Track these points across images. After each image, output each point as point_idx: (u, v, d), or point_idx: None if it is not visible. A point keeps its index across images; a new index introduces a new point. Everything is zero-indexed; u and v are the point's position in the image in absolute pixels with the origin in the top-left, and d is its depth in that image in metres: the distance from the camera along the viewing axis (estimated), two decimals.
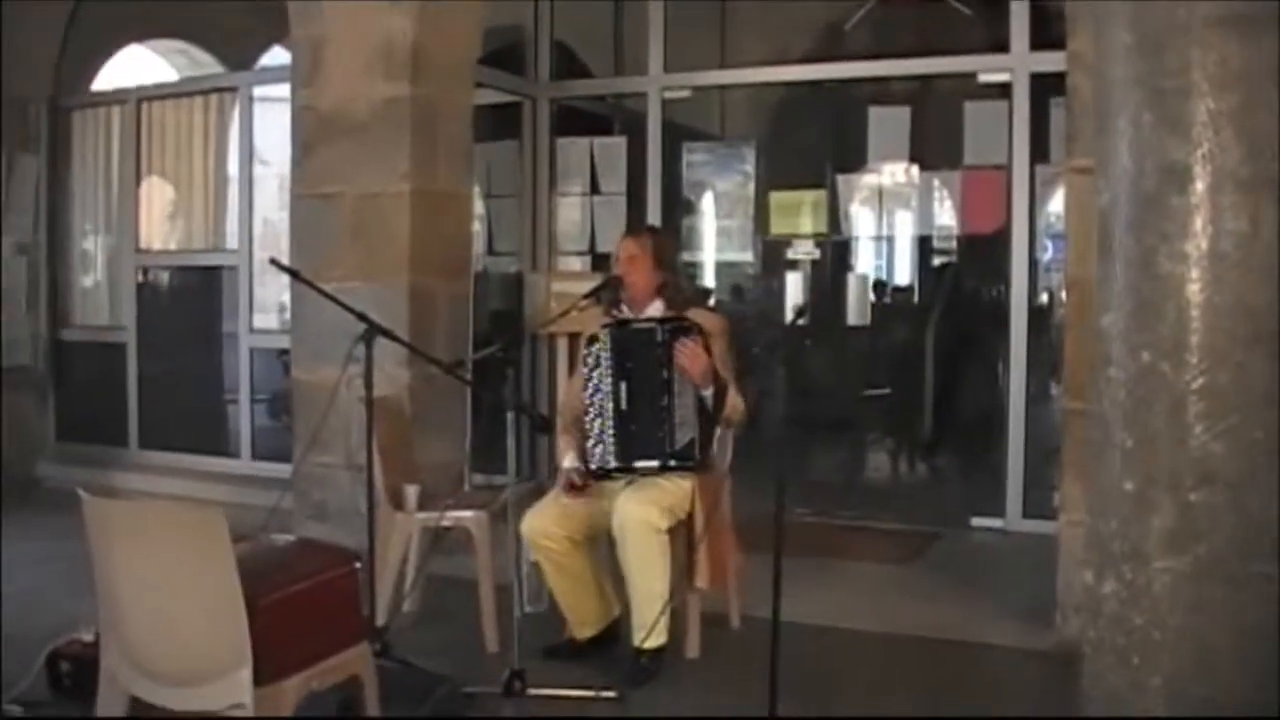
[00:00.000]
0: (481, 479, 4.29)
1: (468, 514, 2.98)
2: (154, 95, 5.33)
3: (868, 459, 5.92)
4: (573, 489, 2.73)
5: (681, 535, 2.64)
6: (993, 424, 4.54)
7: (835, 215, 5.13)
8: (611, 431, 2.70)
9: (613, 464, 2.70)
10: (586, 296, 2.75)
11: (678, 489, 2.64)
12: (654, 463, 2.65)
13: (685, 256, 5.35)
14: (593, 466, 2.71)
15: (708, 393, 2.62)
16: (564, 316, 2.77)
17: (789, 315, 5.36)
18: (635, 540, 2.53)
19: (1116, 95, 1.61)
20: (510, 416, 2.38)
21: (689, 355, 2.58)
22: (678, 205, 5.31)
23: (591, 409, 2.73)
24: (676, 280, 2.80)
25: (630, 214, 4.94)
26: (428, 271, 3.95)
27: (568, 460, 2.80)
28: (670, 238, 3.08)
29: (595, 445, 2.72)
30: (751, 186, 5.25)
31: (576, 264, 5.09)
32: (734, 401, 2.69)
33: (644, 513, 2.55)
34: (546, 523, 2.68)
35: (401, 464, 3.08)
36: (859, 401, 5.93)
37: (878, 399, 5.97)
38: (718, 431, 2.73)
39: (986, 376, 5.12)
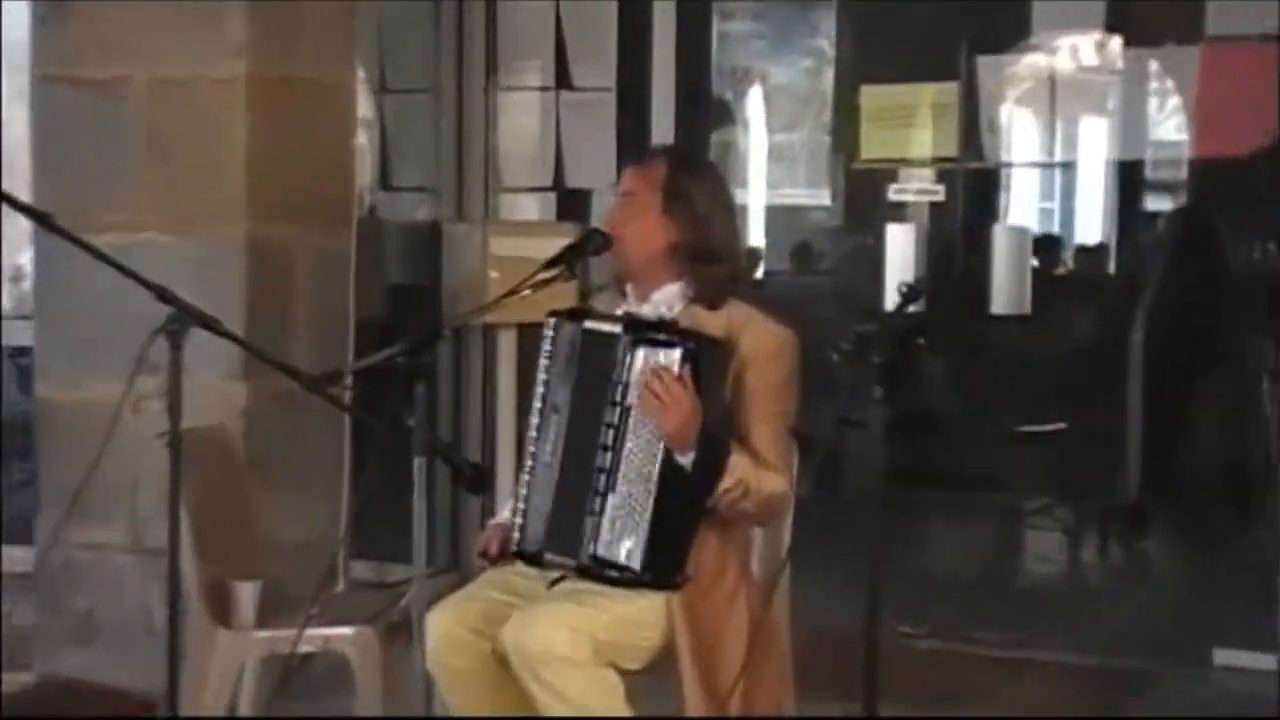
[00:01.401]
0: (369, 569, 4.34)
1: (343, 631, 2.99)
2: None
3: (1027, 540, 5.95)
4: (488, 555, 2.77)
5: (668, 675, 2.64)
6: (1251, 485, 4.54)
7: (973, 127, 5.18)
8: (525, 490, 2.74)
9: (517, 546, 2.74)
10: (551, 265, 2.74)
11: (628, 608, 2.63)
12: (568, 562, 2.67)
13: None
14: (515, 535, 2.75)
15: (686, 460, 2.62)
16: (511, 297, 2.79)
17: (891, 297, 5.39)
18: (533, 680, 2.53)
19: None
20: (418, 465, 2.39)
21: (664, 397, 2.54)
22: (702, 109, 5.37)
23: (527, 441, 2.78)
24: (709, 246, 2.78)
25: (624, 123, 4.97)
26: (278, 217, 3.96)
27: (505, 512, 2.84)
28: (706, 169, 2.97)
29: (515, 503, 2.77)
30: (828, 77, 5.30)
31: (532, 208, 5.13)
32: (753, 479, 2.63)
33: (544, 636, 2.54)
34: (457, 626, 2.72)
35: (230, 544, 3.09)
36: (1011, 442, 5.98)
37: (1043, 439, 6.01)
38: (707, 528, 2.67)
39: (1239, 403, 5.12)
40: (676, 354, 2.58)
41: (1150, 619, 4.75)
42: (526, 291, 2.70)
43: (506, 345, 4.35)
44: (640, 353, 2.62)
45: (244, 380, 3.79)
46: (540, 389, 2.76)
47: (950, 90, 5.17)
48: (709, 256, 2.76)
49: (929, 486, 5.56)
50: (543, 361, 2.77)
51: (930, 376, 5.84)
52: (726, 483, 2.61)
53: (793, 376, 2.74)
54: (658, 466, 2.60)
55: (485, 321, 4.21)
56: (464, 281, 4.30)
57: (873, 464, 2.29)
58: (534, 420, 2.76)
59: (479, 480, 2.75)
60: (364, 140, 4.98)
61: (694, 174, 2.82)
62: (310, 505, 3.95)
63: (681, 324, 2.70)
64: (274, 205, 3.96)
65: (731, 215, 2.86)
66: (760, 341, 2.71)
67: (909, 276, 5.54)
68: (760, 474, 2.64)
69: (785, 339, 2.75)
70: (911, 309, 2.71)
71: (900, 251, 5.67)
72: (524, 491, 2.75)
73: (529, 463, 2.76)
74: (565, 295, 2.94)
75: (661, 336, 2.63)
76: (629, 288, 2.84)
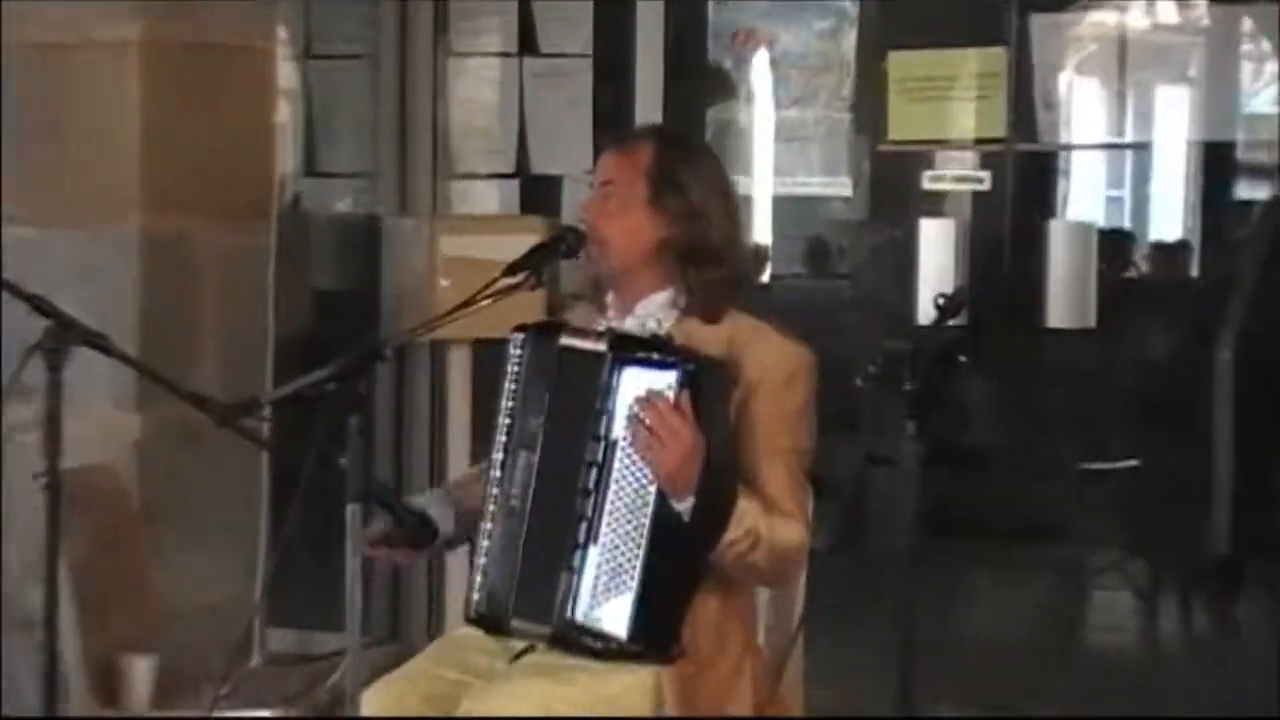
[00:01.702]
0: (290, 640, 4.33)
1: (260, 715, 3.02)
2: None
3: (1092, 602, 5.96)
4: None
5: None
6: None
7: (1025, 100, 5.22)
8: (486, 543, 2.75)
9: (474, 610, 2.75)
10: (514, 269, 2.73)
11: (610, 685, 2.64)
12: (539, 629, 2.68)
13: None
14: (474, 596, 2.76)
15: (684, 506, 2.62)
16: (466, 309, 2.79)
17: (926, 308, 5.40)
18: None
19: None
20: (352, 513, 2.40)
21: (658, 430, 2.57)
22: (696, 80, 5.38)
23: (488, 483, 2.79)
24: (706, 245, 2.79)
25: (602, 97, 5.00)
26: (180, 208, 3.99)
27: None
28: (700, 152, 2.96)
29: (476, 559, 2.76)
30: (849, 40, 5.32)
31: (491, 199, 5.15)
32: (764, 529, 2.63)
33: None
34: (398, 708, 2.67)
35: (121, 610, 3.11)
36: (1072, 482, 6.00)
37: (1112, 478, 6.03)
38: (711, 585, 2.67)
39: None
40: (673, 377, 2.58)
41: (1241, 699, 4.74)
42: (484, 302, 2.69)
43: (459, 367, 4.36)
44: (629, 375, 2.62)
45: (138, 410, 3.79)
46: (505, 419, 2.77)
47: (997, 56, 5.20)
48: (706, 258, 2.76)
49: (973, 536, 5.57)
50: (508, 386, 2.78)
51: (974, 404, 5.84)
52: (732, 533, 2.61)
53: (809, 404, 2.75)
54: (650, 514, 2.60)
55: (433, 337, 4.22)
56: (408, 288, 4.32)
57: (905, 509, 2.30)
58: (497, 457, 2.77)
59: (425, 532, 2.77)
60: (285, 116, 4.99)
61: (686, 158, 2.82)
62: (219, 562, 3.95)
63: (675, 340, 2.71)
64: (175, 194, 3.96)
65: (732, 207, 2.86)
66: (770, 361, 2.71)
67: (947, 283, 5.54)
68: (772, 522, 2.64)
69: (800, 358, 2.76)
70: (951, 322, 2.72)
71: (936, 252, 5.69)
72: (485, 544, 2.76)
73: (490, 509, 2.76)
74: (530, 307, 2.95)
75: (654, 356, 2.64)
76: (609, 298, 2.85)
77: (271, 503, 4.10)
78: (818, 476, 2.78)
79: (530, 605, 2.68)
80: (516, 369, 2.77)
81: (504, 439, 2.76)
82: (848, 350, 5.05)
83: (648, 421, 2.54)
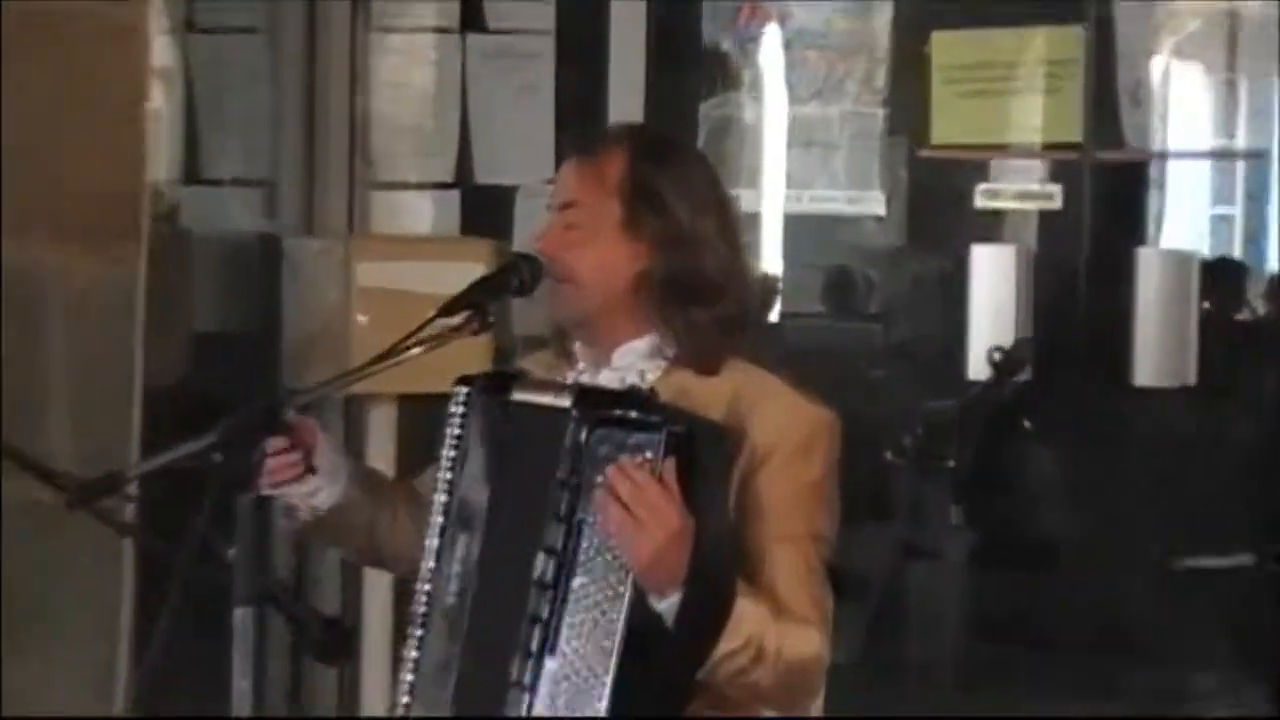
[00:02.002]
0: None
1: None
2: None
3: None
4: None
5: None
6: None
7: (1106, 94, 5.27)
8: (417, 650, 2.75)
9: None
10: (454, 307, 2.75)
11: None
12: None
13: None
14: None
15: (667, 605, 2.63)
16: (391, 359, 2.81)
17: (978, 361, 5.44)
18: None
19: None
20: (241, 619, 2.45)
21: (635, 509, 2.58)
22: (689, 64, 5.43)
23: (419, 574, 2.79)
24: (699, 278, 2.81)
25: (566, 85, 5.06)
26: (17, 227, 4.00)
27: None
28: (688, 159, 2.99)
29: (401, 674, 2.77)
30: (883, 16, 5.37)
31: (423, 214, 5.21)
32: (771, 637, 2.64)
33: None
34: None
35: None
36: (1165, 585, 6.02)
37: (1217, 580, 6.04)
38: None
39: None
40: (656, 441, 2.60)
41: None
42: (414, 350, 2.71)
43: (382, 430, 4.37)
44: (600, 439, 2.64)
45: None
46: (441, 495, 2.78)
47: (1071, 38, 5.25)
48: (698, 294, 2.79)
49: (1036, 649, 5.57)
50: (446, 454, 2.79)
51: (1039, 484, 5.85)
52: (730, 643, 2.62)
53: (831, 479, 2.78)
54: (623, 615, 2.61)
55: (349, 393, 4.23)
56: (316, 329, 4.33)
57: (949, 614, 2.34)
58: (431, 543, 2.78)
59: (335, 642, 2.78)
60: (161, 105, 5.03)
61: (669, 166, 2.85)
62: (70, 675, 3.96)
63: (663, 397, 2.74)
64: (12, 208, 3.98)
65: (730, 228, 2.89)
66: (783, 424, 2.74)
67: (1007, 330, 5.55)
68: (782, 629, 2.65)
69: (821, 421, 2.79)
70: (1016, 379, 2.75)
71: (993, 288, 5.70)
72: (413, 654, 2.76)
73: (420, 610, 2.77)
74: (473, 356, 2.96)
75: (632, 415, 2.65)
76: (577, 347, 2.89)
77: (136, 604, 4.10)
78: (840, 571, 2.79)
79: None
80: (458, 432, 2.79)
81: (440, 519, 2.77)
82: (879, 414, 5.08)
83: (623, 495, 2.56)
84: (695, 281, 2.79)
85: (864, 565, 2.87)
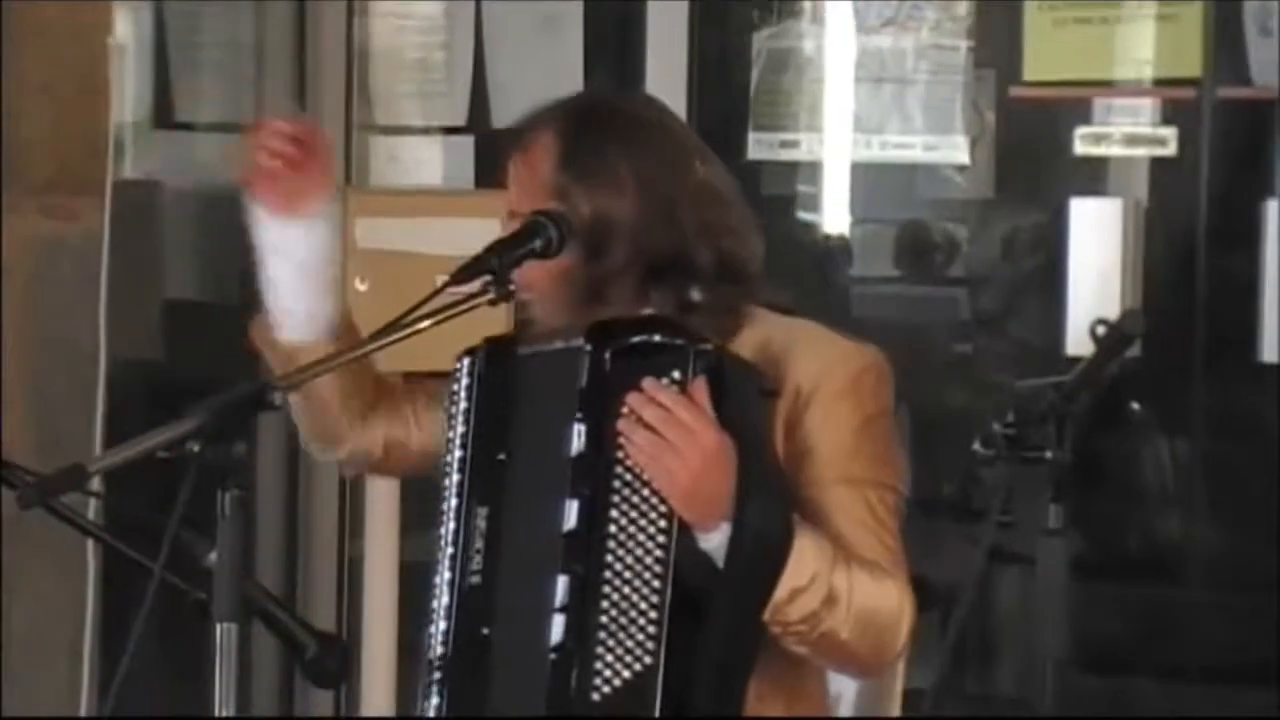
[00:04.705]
0: None
1: None
2: None
3: None
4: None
5: None
6: None
7: (1231, 22, 5.28)
8: (440, 649, 2.82)
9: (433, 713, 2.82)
10: (468, 273, 2.79)
11: None
12: None
13: (770, 153, 5.47)
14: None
15: (714, 542, 2.68)
16: (396, 333, 2.82)
17: (1079, 334, 5.42)
18: None
19: None
20: (224, 634, 2.46)
21: (665, 430, 2.64)
22: None
23: (437, 556, 2.87)
24: (671, 257, 2.86)
25: (595, 14, 5.11)
26: None
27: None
28: (636, 120, 3.01)
29: (427, 637, 2.86)
30: None
31: (433, 163, 5.26)
32: (842, 578, 2.71)
33: None
34: None
35: None
36: None
37: None
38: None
39: None
40: (682, 360, 2.68)
41: None
42: (423, 323, 2.74)
43: None
44: (620, 370, 2.71)
45: None
46: (455, 475, 2.84)
47: None
48: (679, 272, 2.86)
49: (1154, 678, 5.57)
50: (456, 430, 2.86)
51: (1152, 479, 5.85)
52: (793, 579, 2.67)
53: (887, 423, 2.85)
54: (670, 555, 2.67)
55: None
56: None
57: (1047, 633, 2.35)
58: (447, 527, 2.84)
59: (330, 659, 2.82)
60: (126, 37, 5.05)
61: (609, 140, 2.90)
62: (32, 694, 3.99)
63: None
64: None
65: (707, 186, 2.93)
66: (823, 363, 2.82)
67: (1112, 298, 5.54)
68: (853, 574, 2.71)
69: (865, 356, 2.86)
70: (1128, 354, 2.76)
71: (1096, 248, 5.70)
72: (439, 649, 2.82)
73: (444, 598, 2.83)
74: (490, 329, 2.98)
75: (654, 338, 2.73)
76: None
77: (99, 614, 4.15)
78: (917, 582, 2.81)
79: (515, 688, 2.76)
80: (465, 405, 2.85)
81: (455, 501, 2.83)
82: (962, 397, 5.09)
83: (649, 420, 2.63)
84: (670, 262, 2.86)
85: (946, 575, 2.87)
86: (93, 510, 3.37)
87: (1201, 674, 5.78)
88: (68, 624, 4.17)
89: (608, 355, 2.72)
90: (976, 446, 2.66)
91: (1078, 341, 5.21)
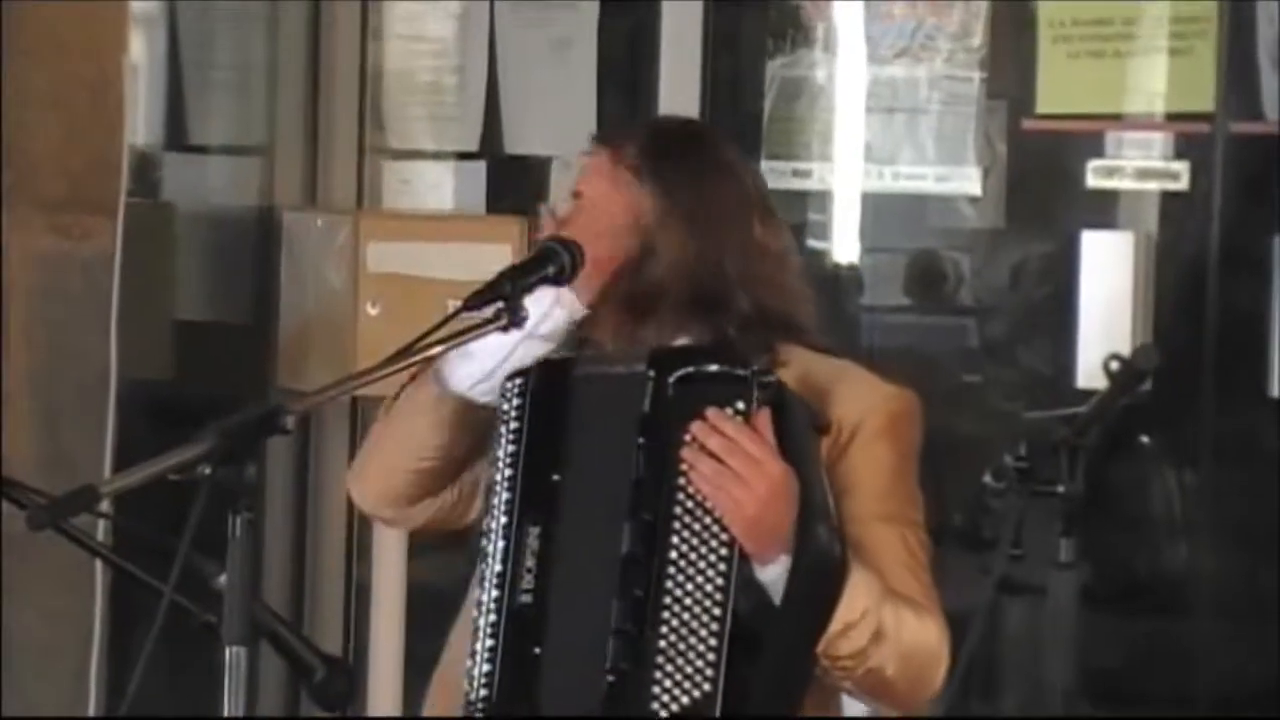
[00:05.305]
0: None
1: None
2: None
3: None
4: None
5: None
6: None
7: (1244, 56, 5.26)
8: (490, 643, 2.81)
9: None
10: (480, 299, 2.80)
11: None
12: None
13: (782, 182, 5.44)
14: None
15: (773, 575, 2.70)
16: (407, 358, 2.82)
17: (1090, 366, 5.41)
18: None
19: None
20: (233, 657, 2.46)
21: (730, 460, 2.66)
22: (755, 15, 5.48)
23: (482, 574, 2.86)
24: (723, 282, 2.90)
25: (611, 39, 5.09)
26: None
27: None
28: (718, 140, 3.12)
29: (471, 654, 2.86)
30: None
31: (444, 188, 5.26)
32: (889, 615, 2.72)
33: None
34: None
35: None
36: None
37: None
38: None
39: None
40: (746, 390, 2.70)
41: None
42: (435, 349, 2.76)
43: None
44: (682, 397, 2.74)
45: None
46: (505, 493, 2.84)
47: None
48: (721, 300, 2.90)
49: (1164, 709, 5.55)
50: (505, 449, 2.86)
51: (1163, 512, 5.83)
52: (846, 614, 2.69)
53: (916, 463, 2.89)
54: (731, 582, 2.68)
55: (359, 394, 4.24)
56: (317, 318, 4.35)
57: (1056, 665, 2.35)
58: (496, 544, 2.83)
59: (337, 683, 2.82)
60: (140, 58, 5.05)
61: (682, 165, 2.94)
62: (37, 710, 4.00)
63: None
64: None
65: (755, 222, 2.97)
66: (864, 402, 2.85)
67: (1123, 331, 5.53)
68: (898, 611, 2.73)
69: (904, 399, 2.91)
70: (1141, 388, 2.75)
71: (1107, 281, 5.68)
72: (485, 666, 2.81)
73: (490, 615, 2.82)
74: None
75: (717, 368, 2.75)
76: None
77: (106, 636, 4.14)
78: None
79: (575, 698, 2.76)
80: (515, 425, 2.85)
81: (504, 519, 2.83)
82: (972, 428, 5.06)
83: (714, 449, 2.65)
84: (709, 303, 2.90)
85: (956, 607, 2.87)
86: (101, 530, 3.37)
87: (1211, 705, 5.76)
88: (74, 640, 4.15)
89: (671, 381, 2.75)
90: (987, 479, 2.66)
91: (1089, 374, 5.22)
